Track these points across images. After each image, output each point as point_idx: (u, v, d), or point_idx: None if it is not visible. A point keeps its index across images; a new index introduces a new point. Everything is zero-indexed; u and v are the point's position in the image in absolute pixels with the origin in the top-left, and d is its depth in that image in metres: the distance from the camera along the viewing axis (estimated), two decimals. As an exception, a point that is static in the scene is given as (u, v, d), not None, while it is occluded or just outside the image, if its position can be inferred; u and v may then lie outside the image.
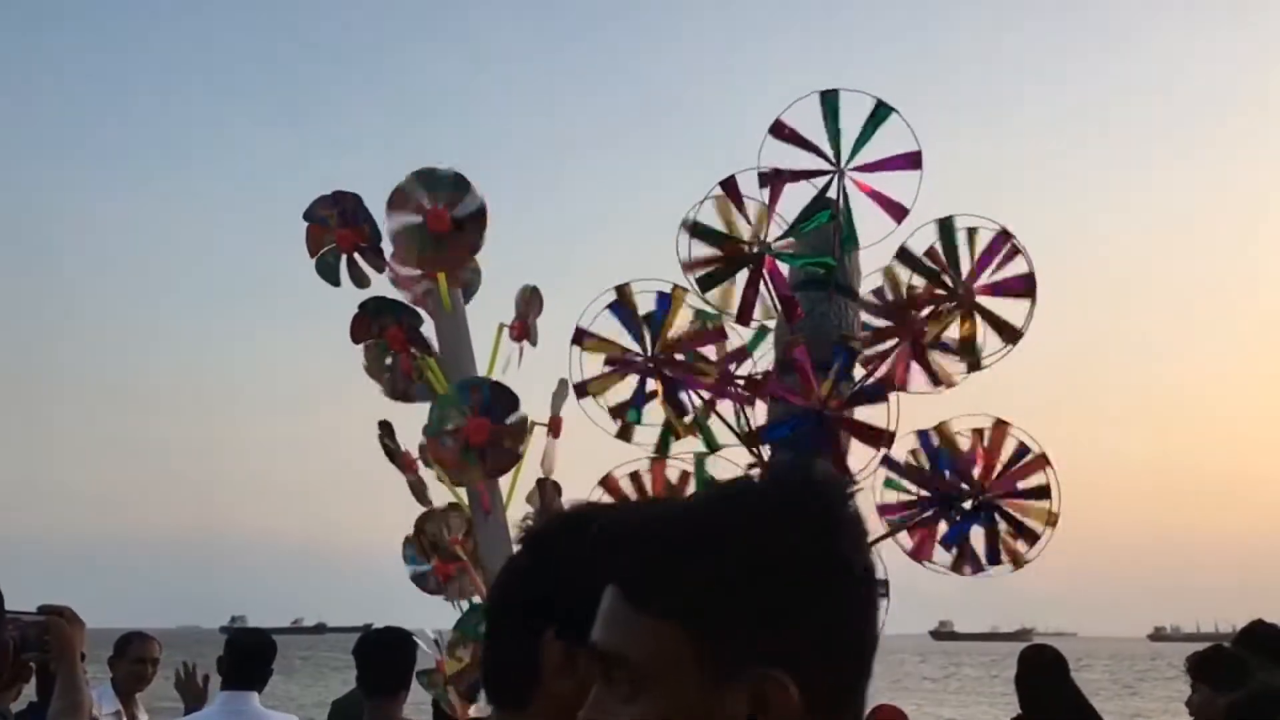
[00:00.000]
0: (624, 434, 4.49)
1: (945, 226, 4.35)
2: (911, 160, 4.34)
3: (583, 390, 4.45)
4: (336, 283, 4.12)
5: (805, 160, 4.41)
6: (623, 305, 4.46)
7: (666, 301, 4.46)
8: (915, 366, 4.36)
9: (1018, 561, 4.26)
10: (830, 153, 4.39)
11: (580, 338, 4.45)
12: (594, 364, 4.50)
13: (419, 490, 4.29)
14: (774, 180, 4.37)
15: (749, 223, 4.36)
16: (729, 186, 4.39)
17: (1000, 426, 4.27)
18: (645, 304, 4.47)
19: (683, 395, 4.44)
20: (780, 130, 4.38)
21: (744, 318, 4.36)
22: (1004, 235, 4.34)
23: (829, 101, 4.37)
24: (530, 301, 4.28)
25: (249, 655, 5.48)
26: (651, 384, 4.45)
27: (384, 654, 5.02)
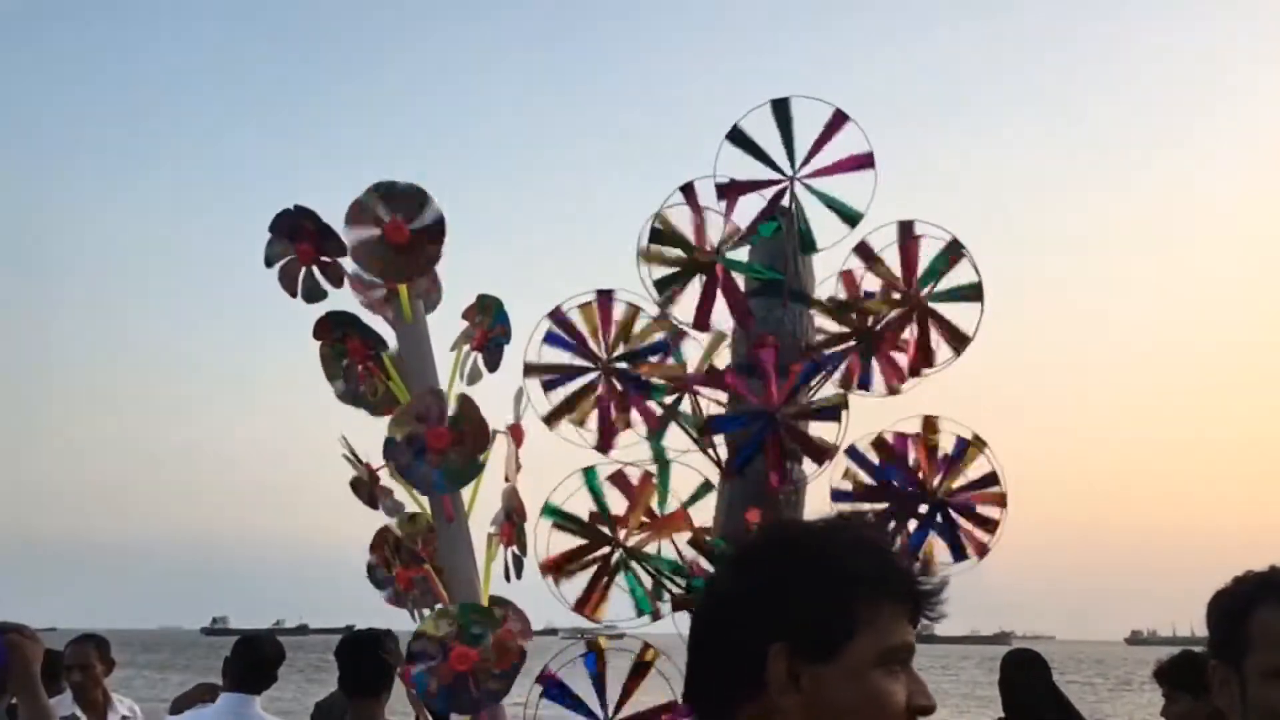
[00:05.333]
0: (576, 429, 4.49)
1: (903, 229, 4.39)
2: (862, 161, 4.40)
3: (551, 420, 4.47)
4: (295, 293, 4.13)
5: (759, 170, 4.47)
6: (565, 324, 4.48)
7: (623, 308, 4.49)
8: (868, 370, 4.40)
9: (982, 552, 4.27)
10: (784, 161, 4.45)
11: (530, 372, 4.46)
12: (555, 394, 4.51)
13: (375, 497, 4.27)
14: (729, 190, 4.42)
15: (706, 230, 4.41)
16: (688, 192, 4.44)
17: (930, 422, 4.31)
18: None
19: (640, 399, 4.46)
20: (737, 137, 4.44)
21: (700, 324, 4.41)
22: (955, 244, 4.40)
23: (780, 110, 4.43)
24: (484, 311, 4.28)
25: (259, 663, 5.49)
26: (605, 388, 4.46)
27: (365, 655, 5.03)
